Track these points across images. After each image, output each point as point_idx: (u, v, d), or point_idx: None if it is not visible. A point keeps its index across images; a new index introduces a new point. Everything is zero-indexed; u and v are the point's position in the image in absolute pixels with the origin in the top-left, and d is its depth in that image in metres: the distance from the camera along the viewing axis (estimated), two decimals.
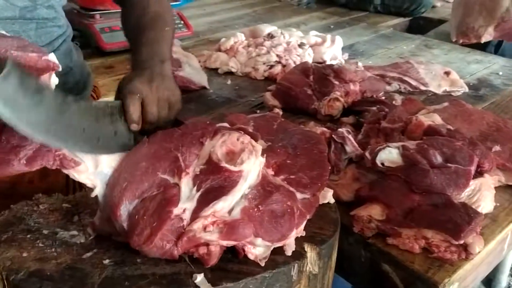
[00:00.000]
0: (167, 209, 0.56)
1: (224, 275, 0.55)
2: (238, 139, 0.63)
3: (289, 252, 0.59)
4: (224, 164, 0.59)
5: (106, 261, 0.57)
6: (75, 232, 0.63)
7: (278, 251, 0.59)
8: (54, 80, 0.63)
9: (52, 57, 0.60)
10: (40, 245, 0.59)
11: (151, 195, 0.58)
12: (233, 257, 0.58)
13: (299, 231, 0.61)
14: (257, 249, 0.58)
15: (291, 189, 0.63)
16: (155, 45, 0.86)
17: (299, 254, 0.59)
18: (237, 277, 0.55)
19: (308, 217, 0.63)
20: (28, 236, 0.61)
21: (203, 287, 0.53)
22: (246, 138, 0.63)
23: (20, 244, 0.59)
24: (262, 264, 0.57)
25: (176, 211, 0.56)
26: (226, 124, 0.70)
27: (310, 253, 0.60)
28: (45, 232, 0.62)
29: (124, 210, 0.57)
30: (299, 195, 0.63)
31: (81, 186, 0.97)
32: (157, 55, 0.84)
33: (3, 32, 0.64)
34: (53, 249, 0.59)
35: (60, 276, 0.54)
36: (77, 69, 1.03)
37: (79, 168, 0.59)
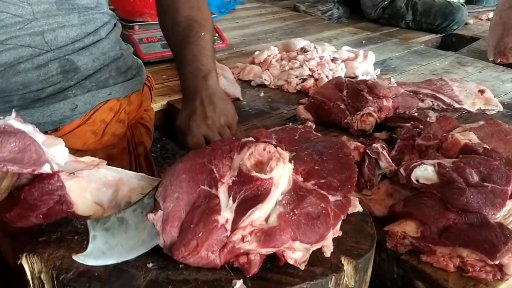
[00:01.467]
0: (212, 218, 0.58)
1: (264, 284, 0.56)
2: (264, 149, 0.64)
3: (328, 254, 0.61)
4: (254, 174, 0.61)
5: (150, 265, 0.59)
6: None
7: (316, 263, 0.60)
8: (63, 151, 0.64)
9: (46, 168, 0.60)
10: None
11: (196, 206, 0.60)
12: (272, 266, 0.59)
13: (336, 231, 0.63)
14: (296, 254, 0.59)
15: (323, 192, 0.65)
16: (194, 62, 0.88)
17: (336, 267, 0.60)
18: (277, 286, 0.56)
19: (342, 217, 0.64)
20: (76, 237, 0.64)
21: None
22: (272, 147, 0.65)
23: (68, 245, 0.62)
24: (302, 267, 0.58)
25: (221, 220, 0.58)
26: (251, 138, 0.72)
27: (347, 266, 0.61)
28: None
29: (179, 220, 0.59)
30: (331, 198, 0.65)
31: (142, 170, 1.04)
32: (199, 73, 0.87)
33: (10, 122, 0.60)
34: None
35: (108, 277, 0.56)
36: (128, 56, 1.05)
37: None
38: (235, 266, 0.59)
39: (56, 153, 0.62)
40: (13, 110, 0.63)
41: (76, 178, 0.63)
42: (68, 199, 0.61)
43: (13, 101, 0.87)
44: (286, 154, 0.64)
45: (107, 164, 0.91)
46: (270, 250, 0.58)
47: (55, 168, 0.60)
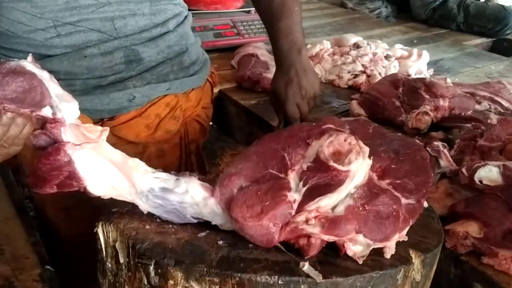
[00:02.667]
0: (282, 193, 0.59)
1: (333, 270, 0.57)
2: (345, 140, 0.64)
3: (388, 255, 0.60)
4: (332, 164, 0.61)
5: (220, 242, 0.60)
6: None
7: (383, 254, 0.60)
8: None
9: (46, 111, 0.55)
10: (158, 220, 0.63)
11: (264, 179, 0.61)
12: (339, 252, 0.60)
13: (402, 235, 0.62)
14: (357, 247, 0.59)
15: (396, 193, 0.64)
16: (290, 35, 0.95)
17: (405, 259, 0.60)
18: (346, 273, 0.56)
19: (411, 222, 0.63)
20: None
21: (312, 275, 0.55)
22: (354, 139, 0.64)
23: (140, 217, 0.63)
24: (360, 262, 0.58)
25: (290, 197, 0.59)
26: (331, 126, 0.71)
27: (415, 259, 0.60)
28: None
29: (237, 178, 0.61)
30: (403, 200, 0.63)
31: (192, 167, 1.04)
32: (294, 46, 0.94)
33: (24, 63, 0.57)
34: (170, 225, 0.63)
35: (181, 250, 0.57)
36: (194, 50, 1.04)
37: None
38: (295, 247, 0.59)
39: (66, 109, 0.57)
40: (30, 54, 0.61)
41: (82, 151, 0.56)
42: (78, 175, 0.55)
43: (76, 85, 0.87)
44: (367, 149, 0.63)
45: (158, 159, 0.92)
46: (332, 238, 0.58)
47: (59, 116, 0.56)
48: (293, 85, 0.94)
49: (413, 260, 0.60)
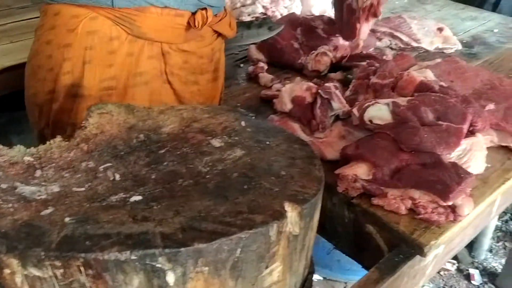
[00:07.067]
0: None
1: (196, 235, 0.50)
2: None
3: None
4: None
5: (67, 219, 0.51)
6: (36, 188, 0.57)
7: (257, 211, 0.55)
8: None
9: None
10: None
11: None
12: (207, 215, 0.53)
13: None
14: None
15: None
16: None
17: (279, 214, 0.55)
18: (211, 237, 0.50)
19: None
20: None
21: None
22: None
23: None
24: None
25: None
26: None
27: (291, 212, 0.56)
28: (3, 186, 0.57)
29: None
30: None
31: None
32: None
33: None
34: (9, 205, 0.53)
35: (16, 233, 0.49)
36: None
37: None
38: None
39: None
40: None
41: None
42: None
43: None
44: None
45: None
46: None
47: None
48: None
49: (288, 214, 0.55)
